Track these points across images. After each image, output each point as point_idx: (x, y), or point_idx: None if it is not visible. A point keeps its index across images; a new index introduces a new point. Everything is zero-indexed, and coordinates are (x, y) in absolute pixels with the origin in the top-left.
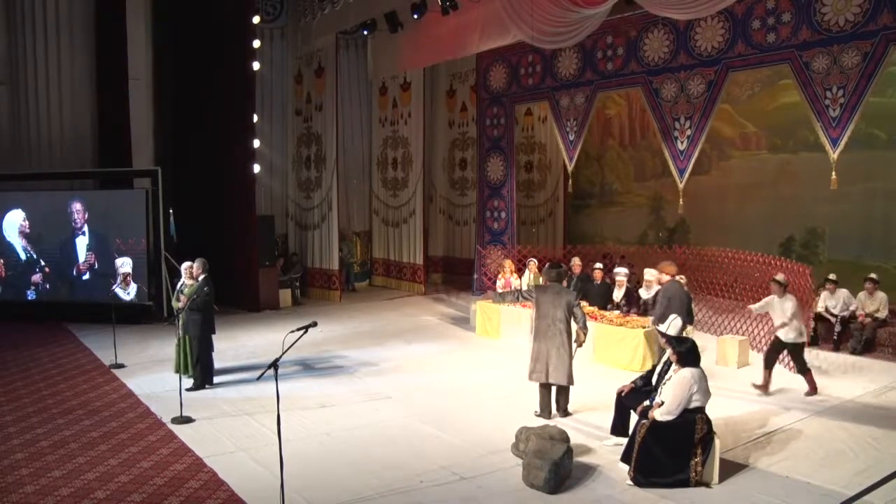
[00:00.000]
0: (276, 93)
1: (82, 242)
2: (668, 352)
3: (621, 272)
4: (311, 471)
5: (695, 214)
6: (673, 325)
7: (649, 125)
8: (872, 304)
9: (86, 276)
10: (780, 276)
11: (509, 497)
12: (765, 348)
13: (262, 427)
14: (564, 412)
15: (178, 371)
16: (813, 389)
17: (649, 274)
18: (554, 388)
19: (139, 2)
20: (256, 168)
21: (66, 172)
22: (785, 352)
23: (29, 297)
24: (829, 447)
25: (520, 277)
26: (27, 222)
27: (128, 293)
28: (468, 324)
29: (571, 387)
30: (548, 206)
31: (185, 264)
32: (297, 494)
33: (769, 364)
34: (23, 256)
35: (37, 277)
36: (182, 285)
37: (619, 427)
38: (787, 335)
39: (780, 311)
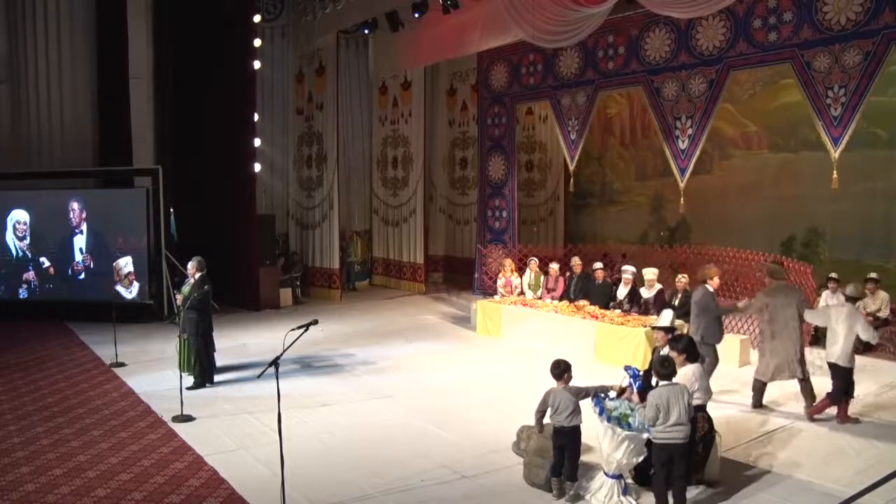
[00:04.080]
0: (276, 92)
1: (79, 241)
2: (667, 350)
3: (629, 270)
4: (311, 469)
5: (696, 214)
6: (664, 317)
7: (650, 124)
8: (874, 303)
9: (81, 276)
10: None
11: (510, 496)
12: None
13: (263, 425)
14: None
15: (180, 369)
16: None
17: (650, 273)
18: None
19: (140, 1)
20: (257, 167)
21: (67, 171)
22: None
23: (21, 296)
24: (830, 446)
25: (520, 277)
26: (25, 224)
27: (129, 292)
28: (469, 323)
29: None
30: (548, 205)
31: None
32: (297, 493)
33: None
34: (14, 254)
35: (29, 275)
36: (184, 283)
37: None
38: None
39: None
